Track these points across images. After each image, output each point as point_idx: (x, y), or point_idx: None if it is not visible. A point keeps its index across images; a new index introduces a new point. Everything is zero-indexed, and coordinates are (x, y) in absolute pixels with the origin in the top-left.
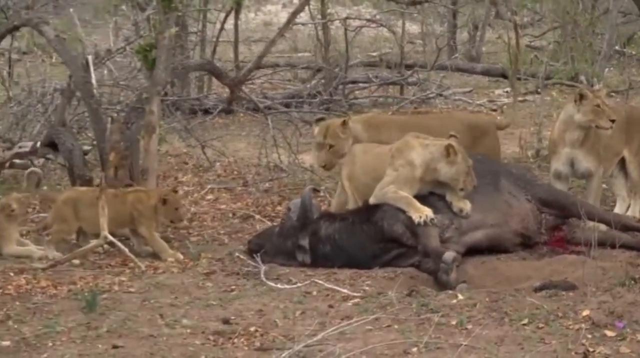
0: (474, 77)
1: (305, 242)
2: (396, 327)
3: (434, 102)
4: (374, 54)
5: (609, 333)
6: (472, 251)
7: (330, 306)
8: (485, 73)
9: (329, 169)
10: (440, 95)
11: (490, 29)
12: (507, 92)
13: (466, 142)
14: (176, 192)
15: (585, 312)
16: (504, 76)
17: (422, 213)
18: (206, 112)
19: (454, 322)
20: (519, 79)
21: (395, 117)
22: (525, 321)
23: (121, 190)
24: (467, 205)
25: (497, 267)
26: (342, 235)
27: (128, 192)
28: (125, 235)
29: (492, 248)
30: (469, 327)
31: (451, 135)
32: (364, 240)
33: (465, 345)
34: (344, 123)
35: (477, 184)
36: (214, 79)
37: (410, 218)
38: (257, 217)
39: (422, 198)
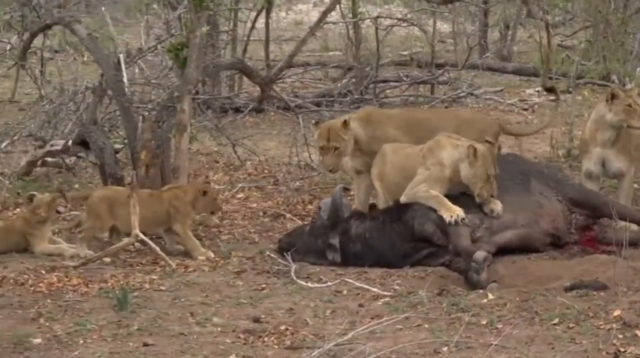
0: (505, 77)
1: (335, 241)
2: (426, 326)
3: (464, 102)
4: (405, 53)
5: None
6: (503, 251)
7: (361, 305)
8: (517, 72)
9: (335, 172)
10: (471, 94)
11: (521, 28)
12: (538, 91)
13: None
14: (209, 183)
15: (617, 312)
16: (535, 75)
17: (453, 212)
18: (237, 110)
19: (484, 322)
20: (550, 78)
21: (391, 112)
22: (556, 321)
23: (157, 190)
24: (498, 206)
25: (528, 267)
26: (372, 234)
27: (164, 190)
28: (156, 234)
29: (522, 248)
30: (500, 326)
31: (486, 141)
32: (394, 239)
33: (495, 344)
34: (345, 123)
35: (506, 186)
36: (245, 78)
37: (441, 217)
38: (288, 215)
39: (453, 198)
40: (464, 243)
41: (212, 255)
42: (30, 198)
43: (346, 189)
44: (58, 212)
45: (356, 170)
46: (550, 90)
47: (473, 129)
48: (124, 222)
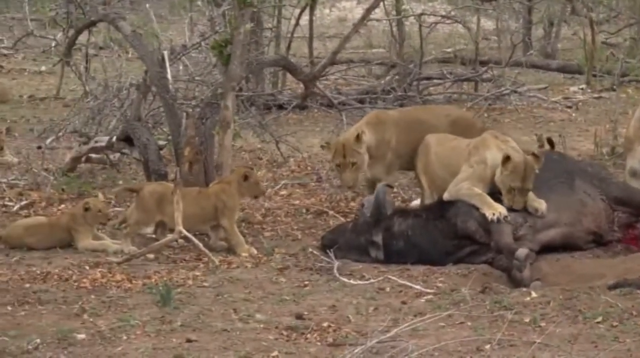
0: (549, 74)
1: (378, 238)
2: (469, 323)
3: (508, 99)
4: (449, 50)
5: None
6: (546, 249)
7: (403, 302)
8: (561, 70)
9: (355, 188)
10: (515, 92)
11: (565, 25)
12: (582, 89)
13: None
14: (251, 168)
15: None
16: (580, 73)
17: (495, 210)
18: (280, 107)
19: (527, 320)
20: (594, 75)
21: (393, 114)
22: (599, 319)
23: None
24: (542, 205)
25: (571, 265)
26: (415, 232)
27: (211, 186)
28: (200, 231)
29: (565, 246)
30: (543, 324)
31: (533, 154)
32: (437, 236)
33: (538, 342)
34: (359, 137)
35: (550, 185)
36: (288, 75)
37: (483, 215)
38: (331, 213)
39: (497, 196)
40: (506, 240)
41: (255, 251)
42: (86, 209)
43: (389, 187)
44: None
45: (369, 181)
46: (549, 142)
47: (461, 126)
48: (171, 218)
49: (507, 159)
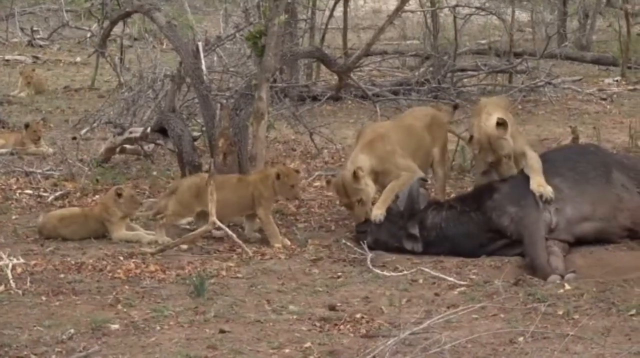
0: (584, 66)
1: (415, 231)
2: (502, 316)
3: (542, 91)
4: (483, 41)
5: None
6: (580, 242)
7: (437, 294)
8: (595, 62)
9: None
10: (550, 83)
11: (600, 17)
12: (617, 81)
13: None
14: (297, 171)
15: None
16: (614, 65)
17: (544, 188)
18: (314, 99)
19: (561, 312)
20: (629, 67)
21: (385, 132)
22: (633, 312)
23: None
24: (547, 190)
25: (605, 258)
26: (449, 223)
27: (250, 175)
28: (234, 222)
29: (598, 240)
30: (576, 317)
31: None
32: (471, 228)
33: (572, 335)
34: (355, 175)
35: (587, 177)
36: (322, 66)
37: (519, 211)
38: None
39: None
40: (541, 259)
41: (288, 242)
42: (119, 194)
43: (423, 180)
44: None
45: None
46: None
47: (439, 122)
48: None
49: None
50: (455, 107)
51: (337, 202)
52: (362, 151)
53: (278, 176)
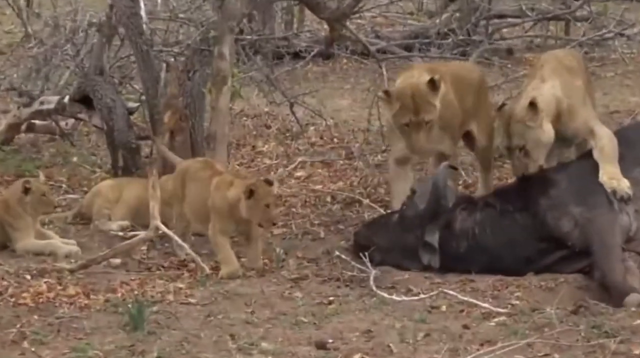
0: None
1: (433, 239)
2: (557, 356)
3: (611, 45)
4: None
5: None
6: None
7: (465, 326)
8: None
9: (427, 157)
10: (621, 35)
11: None
12: None
13: None
14: (269, 183)
15: None
16: None
17: (619, 182)
18: (296, 56)
19: (637, 351)
20: None
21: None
22: None
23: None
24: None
25: None
26: (484, 229)
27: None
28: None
29: None
30: None
31: None
32: (515, 235)
33: None
34: (434, 83)
35: None
36: (307, 12)
37: (583, 211)
38: (366, 201)
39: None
40: (616, 275)
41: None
42: (26, 189)
43: (453, 168)
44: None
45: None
46: None
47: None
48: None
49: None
50: None
51: (388, 125)
52: (546, 81)
53: (251, 194)
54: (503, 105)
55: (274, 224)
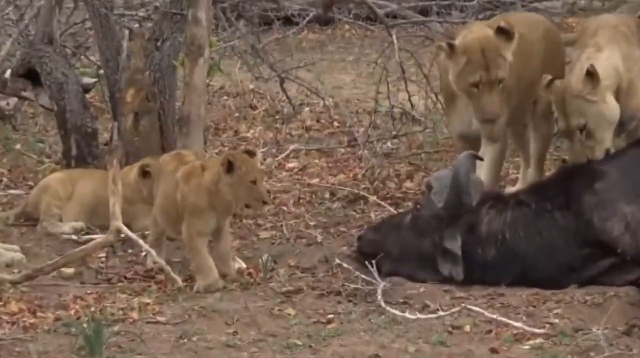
0: None
1: (455, 244)
2: None
3: None
4: None
5: None
6: None
7: (494, 350)
8: None
9: (499, 121)
10: None
11: None
12: None
13: None
14: (251, 153)
15: None
16: None
17: None
18: (288, 21)
19: None
20: None
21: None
22: None
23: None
24: None
25: None
26: (516, 232)
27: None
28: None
29: None
30: None
31: None
32: (555, 240)
33: None
34: (509, 34)
35: None
36: None
37: (636, 212)
38: (372, 198)
39: None
40: None
41: (243, 265)
42: None
43: (477, 158)
44: None
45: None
46: None
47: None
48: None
49: None
50: None
51: (448, 85)
52: (602, 50)
53: (230, 166)
54: (552, 80)
55: (265, 203)
